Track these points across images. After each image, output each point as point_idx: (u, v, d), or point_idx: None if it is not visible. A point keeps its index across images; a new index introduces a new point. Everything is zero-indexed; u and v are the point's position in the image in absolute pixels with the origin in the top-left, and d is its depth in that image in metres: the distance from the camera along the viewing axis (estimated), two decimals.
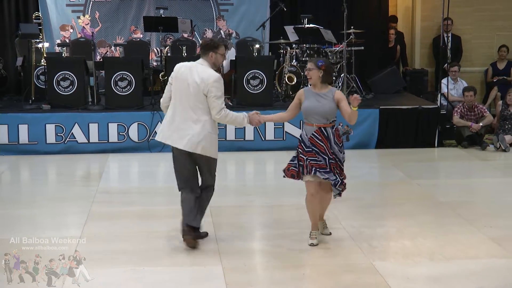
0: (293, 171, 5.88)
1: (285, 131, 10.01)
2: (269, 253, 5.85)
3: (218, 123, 5.78)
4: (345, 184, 5.91)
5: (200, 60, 5.81)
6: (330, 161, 5.78)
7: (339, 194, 5.92)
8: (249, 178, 9.23)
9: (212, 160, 5.81)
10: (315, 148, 5.78)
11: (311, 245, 5.91)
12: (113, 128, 9.92)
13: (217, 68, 5.93)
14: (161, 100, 5.94)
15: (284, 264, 5.56)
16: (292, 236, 6.16)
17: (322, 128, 5.80)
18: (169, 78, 5.87)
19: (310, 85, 5.96)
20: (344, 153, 5.93)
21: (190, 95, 5.65)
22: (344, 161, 5.94)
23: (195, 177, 5.89)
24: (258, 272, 5.53)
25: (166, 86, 5.89)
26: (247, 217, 7.01)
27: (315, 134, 5.81)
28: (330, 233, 6.19)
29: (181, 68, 5.80)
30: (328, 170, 5.77)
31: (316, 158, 5.76)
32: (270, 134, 10.06)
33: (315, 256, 5.73)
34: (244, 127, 9.97)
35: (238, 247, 5.91)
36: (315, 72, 5.80)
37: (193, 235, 5.82)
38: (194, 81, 5.65)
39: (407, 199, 7.65)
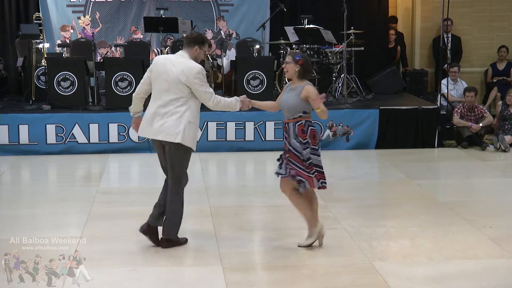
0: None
1: None
2: (269, 253, 5.85)
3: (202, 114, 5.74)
4: (321, 180, 5.71)
5: (181, 52, 5.77)
6: (288, 157, 5.71)
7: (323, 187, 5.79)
8: (249, 178, 9.23)
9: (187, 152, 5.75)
10: (285, 141, 5.82)
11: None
12: (113, 128, 9.92)
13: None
14: (136, 90, 5.90)
15: (284, 264, 5.56)
16: (291, 236, 6.15)
17: (286, 124, 5.80)
18: (147, 70, 5.84)
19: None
20: (312, 151, 5.66)
21: (169, 87, 5.61)
22: (311, 160, 5.64)
23: None
24: (258, 272, 5.53)
25: (143, 77, 5.86)
26: (247, 217, 7.01)
27: (284, 128, 5.84)
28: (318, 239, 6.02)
29: (158, 60, 5.78)
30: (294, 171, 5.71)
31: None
32: (270, 134, 10.06)
33: (315, 256, 5.73)
34: (244, 128, 10.03)
35: (238, 247, 5.92)
36: (291, 66, 5.74)
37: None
38: (172, 72, 5.60)
39: (407, 199, 7.66)
